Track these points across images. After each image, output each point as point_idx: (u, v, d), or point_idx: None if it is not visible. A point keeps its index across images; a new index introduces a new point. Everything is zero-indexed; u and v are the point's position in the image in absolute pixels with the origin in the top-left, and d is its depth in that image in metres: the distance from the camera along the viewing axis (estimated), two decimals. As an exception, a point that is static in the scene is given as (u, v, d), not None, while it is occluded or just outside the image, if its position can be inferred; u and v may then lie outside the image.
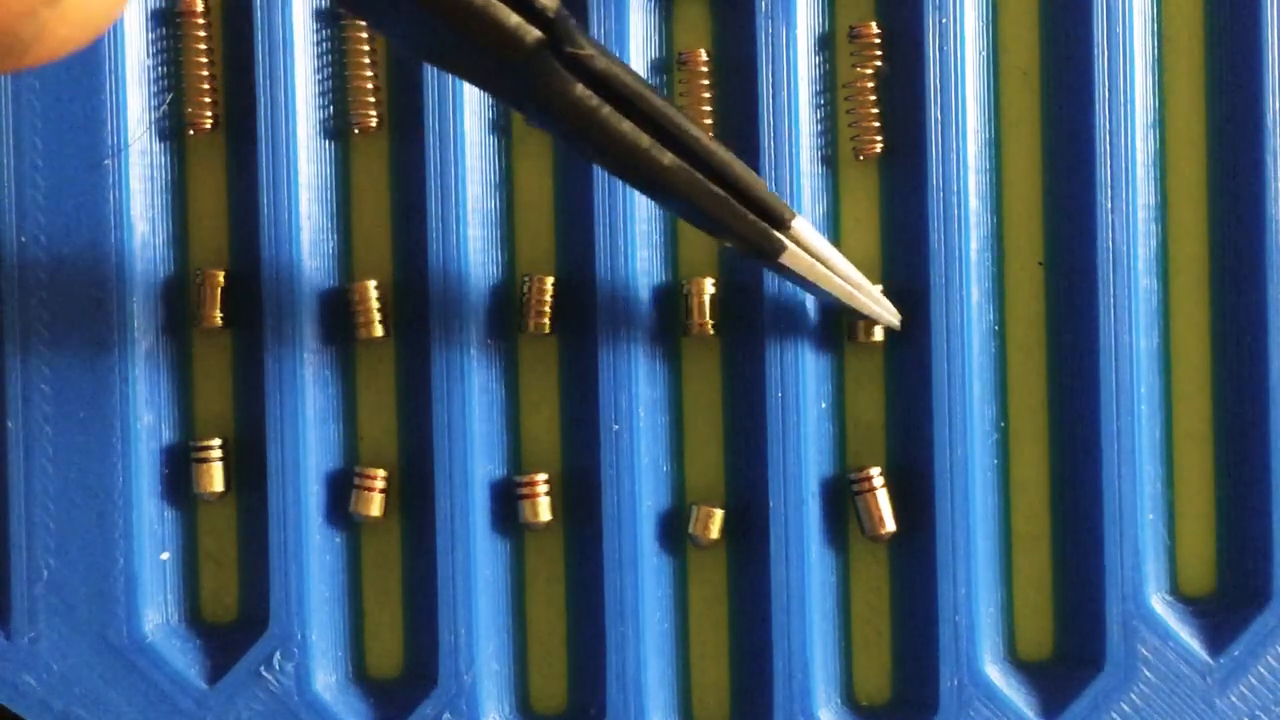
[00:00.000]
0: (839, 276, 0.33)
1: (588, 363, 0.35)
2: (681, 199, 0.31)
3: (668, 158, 0.30)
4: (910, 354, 0.35)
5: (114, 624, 0.35)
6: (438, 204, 0.35)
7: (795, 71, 0.35)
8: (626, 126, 0.30)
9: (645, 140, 0.30)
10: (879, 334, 0.35)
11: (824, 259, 0.32)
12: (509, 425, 0.36)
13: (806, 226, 0.32)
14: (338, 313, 0.36)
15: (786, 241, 0.32)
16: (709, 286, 0.35)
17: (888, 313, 0.34)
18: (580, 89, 0.29)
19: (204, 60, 0.36)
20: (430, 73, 0.35)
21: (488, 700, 0.35)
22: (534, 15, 0.28)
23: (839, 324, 0.35)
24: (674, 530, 0.36)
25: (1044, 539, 0.35)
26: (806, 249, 0.32)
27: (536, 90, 0.29)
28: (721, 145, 0.31)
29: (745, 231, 0.31)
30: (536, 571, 0.36)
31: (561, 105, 0.29)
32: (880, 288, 0.35)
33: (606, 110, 0.29)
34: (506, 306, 0.36)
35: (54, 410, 0.35)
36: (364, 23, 0.35)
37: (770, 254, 0.32)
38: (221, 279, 0.36)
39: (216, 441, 0.36)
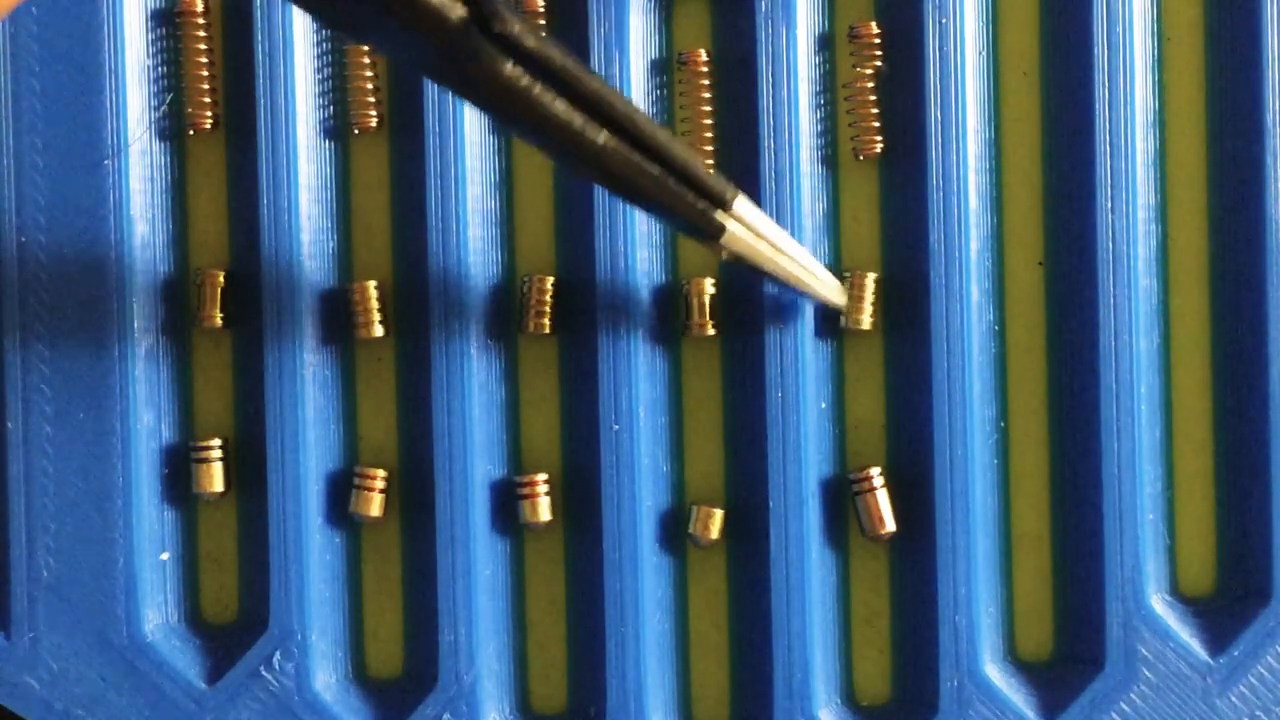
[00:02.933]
0: (783, 256, 0.32)
1: (588, 363, 0.35)
2: (617, 179, 0.30)
3: (602, 136, 0.29)
4: (910, 354, 0.35)
5: (114, 624, 0.35)
6: (438, 204, 0.35)
7: (795, 71, 0.35)
8: (559, 105, 0.29)
9: (578, 120, 0.29)
10: (866, 323, 0.35)
11: (767, 237, 0.32)
12: (509, 425, 0.36)
13: (748, 206, 0.31)
14: (338, 313, 0.36)
15: (727, 222, 0.31)
16: (709, 286, 0.35)
17: (832, 293, 0.33)
18: (510, 67, 0.28)
19: (204, 60, 0.36)
20: (430, 73, 0.35)
21: (488, 700, 0.35)
22: None
23: (840, 324, 0.35)
24: (674, 530, 0.36)
25: (1044, 539, 0.35)
26: (749, 228, 0.31)
27: (464, 69, 0.28)
28: (659, 125, 0.30)
29: (684, 212, 0.31)
30: (536, 571, 0.36)
31: (490, 85, 0.28)
32: (824, 265, 0.34)
33: (538, 89, 0.28)
34: (506, 306, 0.36)
35: (54, 410, 0.35)
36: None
37: (710, 234, 0.31)
38: (221, 279, 0.36)
39: (216, 441, 0.36)
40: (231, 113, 0.36)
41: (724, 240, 0.31)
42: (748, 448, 0.35)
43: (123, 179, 0.35)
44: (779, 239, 0.32)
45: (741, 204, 0.31)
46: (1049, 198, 0.35)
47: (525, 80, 0.28)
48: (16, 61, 0.35)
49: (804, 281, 0.33)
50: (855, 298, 0.35)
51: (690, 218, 0.31)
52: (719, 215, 0.31)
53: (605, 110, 0.29)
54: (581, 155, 0.29)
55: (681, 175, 0.30)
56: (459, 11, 0.27)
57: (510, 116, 0.29)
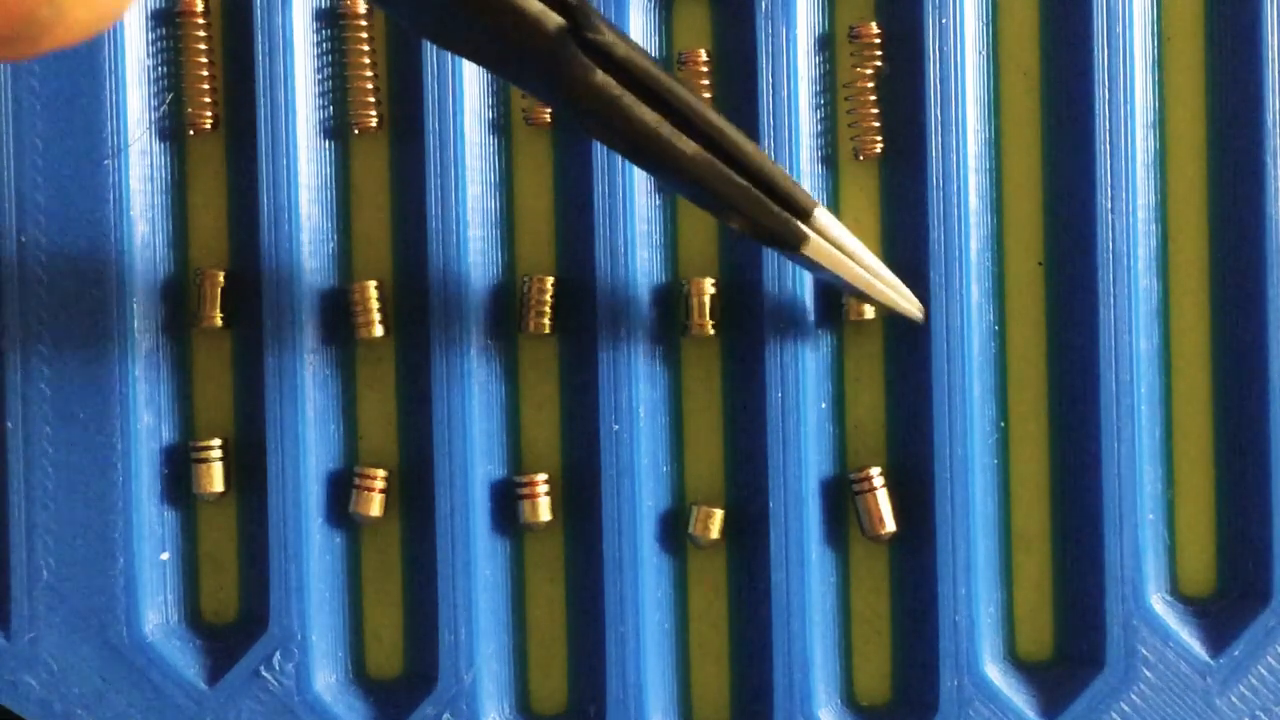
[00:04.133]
0: (861, 267, 0.33)
1: (588, 363, 0.35)
2: (703, 188, 0.30)
3: (690, 146, 0.30)
4: (910, 354, 0.35)
5: (114, 624, 0.35)
6: (438, 204, 0.35)
7: (795, 71, 0.35)
8: (648, 114, 0.29)
9: (667, 128, 0.30)
10: (869, 312, 0.35)
11: (846, 249, 0.32)
12: (509, 425, 0.36)
13: (829, 217, 0.32)
14: (338, 313, 0.36)
15: (808, 232, 0.32)
16: (709, 286, 0.35)
17: (910, 304, 0.34)
18: (601, 76, 0.29)
19: (204, 60, 0.36)
20: (430, 73, 0.35)
21: (488, 700, 0.35)
22: (555, 2, 0.28)
23: (839, 324, 0.35)
24: (674, 530, 0.36)
25: (1044, 539, 0.35)
26: (829, 239, 0.32)
27: (558, 78, 0.29)
28: (744, 134, 0.31)
29: (768, 221, 0.31)
30: (536, 571, 0.36)
31: (583, 93, 0.29)
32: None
33: (628, 98, 0.29)
34: (506, 306, 0.36)
35: (54, 410, 0.35)
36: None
37: (793, 244, 0.32)
38: (221, 279, 0.36)
39: (216, 441, 0.36)
40: (231, 113, 0.36)
41: (805, 250, 0.32)
42: (748, 448, 0.35)
43: (123, 179, 0.35)
44: (858, 250, 0.33)
45: (822, 215, 0.32)
46: (1049, 198, 0.35)
47: (616, 89, 0.29)
48: (17, 62, 0.35)
49: (881, 292, 0.33)
50: None
51: (773, 227, 0.31)
52: (800, 225, 0.32)
53: (693, 119, 0.30)
54: (669, 164, 0.30)
55: (765, 185, 0.31)
56: (556, 20, 0.28)
57: (600, 124, 0.30)
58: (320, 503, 0.36)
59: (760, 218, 0.31)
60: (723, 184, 0.31)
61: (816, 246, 0.32)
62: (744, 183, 0.31)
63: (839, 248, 0.32)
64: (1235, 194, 0.35)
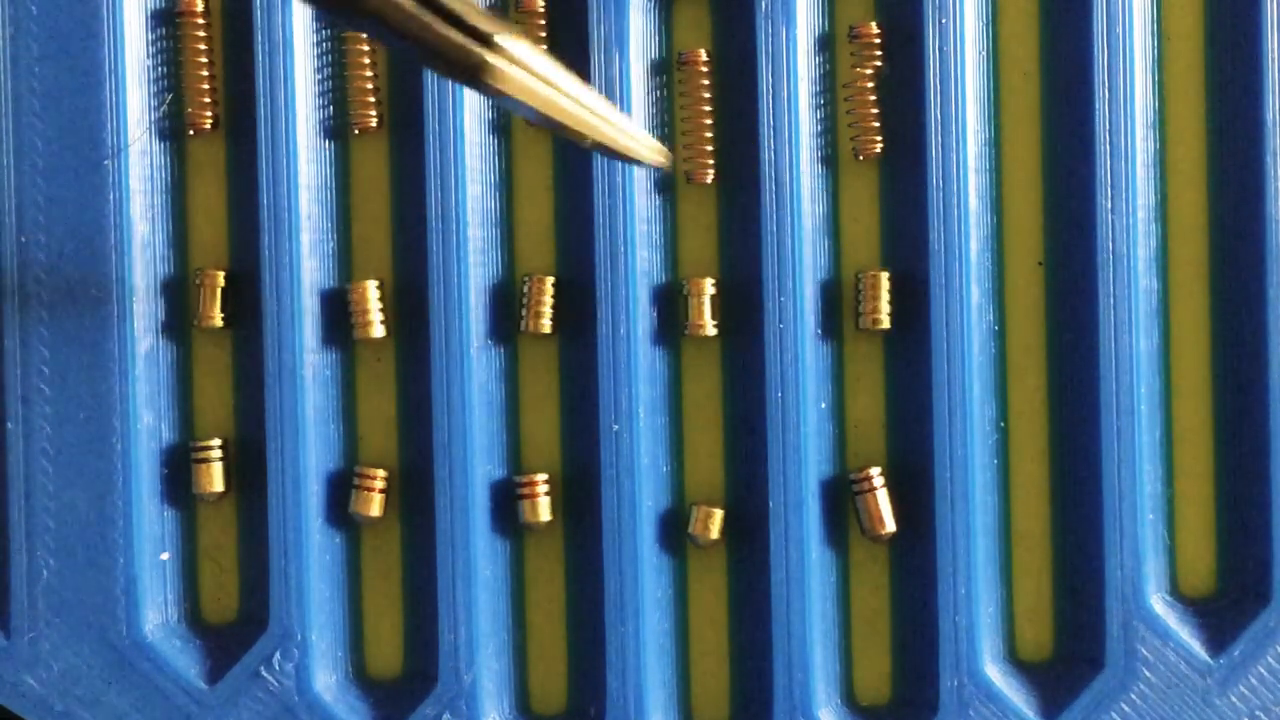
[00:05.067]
0: (572, 102, 0.28)
1: (588, 363, 0.35)
2: (364, 15, 0.27)
3: None
4: (910, 354, 0.35)
5: (114, 624, 0.35)
6: (438, 204, 0.35)
7: (795, 71, 0.35)
8: None
9: None
10: (885, 320, 0.35)
11: (548, 80, 0.28)
12: (509, 425, 0.36)
13: (522, 46, 0.28)
14: (338, 313, 0.36)
15: (491, 59, 0.27)
16: (709, 286, 0.35)
17: (647, 148, 0.29)
18: None
19: (204, 60, 0.36)
20: (430, 73, 0.35)
21: (488, 700, 0.35)
22: None
23: (839, 324, 0.35)
24: (674, 530, 0.36)
25: (1044, 539, 0.35)
26: (524, 68, 0.28)
27: None
28: None
29: (439, 45, 0.27)
30: (536, 571, 0.36)
31: None
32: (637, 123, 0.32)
33: None
34: (506, 306, 0.36)
35: (54, 410, 0.35)
36: None
37: (471, 72, 0.27)
38: (221, 279, 0.36)
39: (216, 441, 0.36)
40: (231, 113, 0.36)
41: (491, 80, 0.27)
42: (748, 448, 0.35)
43: (123, 179, 0.35)
44: (564, 82, 0.28)
45: (510, 41, 0.27)
46: (1049, 198, 0.35)
47: None
48: (16, 61, 0.35)
49: (607, 134, 0.28)
50: (870, 297, 0.35)
51: (446, 52, 0.27)
52: (479, 50, 0.27)
53: None
54: None
55: (441, 11, 0.27)
56: None
57: None
58: (320, 503, 0.36)
59: (430, 41, 0.27)
60: (385, 7, 0.27)
61: (505, 75, 0.27)
62: (411, 5, 0.27)
63: (540, 78, 0.28)
64: (1235, 194, 0.35)
